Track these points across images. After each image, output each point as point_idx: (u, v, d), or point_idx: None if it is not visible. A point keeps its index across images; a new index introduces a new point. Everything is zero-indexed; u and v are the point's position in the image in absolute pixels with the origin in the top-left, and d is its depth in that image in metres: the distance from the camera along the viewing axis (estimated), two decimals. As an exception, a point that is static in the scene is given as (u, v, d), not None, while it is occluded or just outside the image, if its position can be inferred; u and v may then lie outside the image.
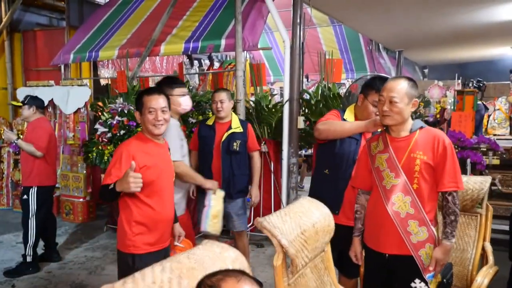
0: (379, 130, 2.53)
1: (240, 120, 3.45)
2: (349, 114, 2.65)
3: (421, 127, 2.10)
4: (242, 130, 3.35)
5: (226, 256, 1.36)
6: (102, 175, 6.27)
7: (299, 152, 5.72)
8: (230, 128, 3.30)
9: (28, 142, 3.86)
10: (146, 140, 2.26)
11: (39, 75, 6.79)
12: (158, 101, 2.19)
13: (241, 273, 1.08)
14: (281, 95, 8.90)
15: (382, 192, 2.10)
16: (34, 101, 3.97)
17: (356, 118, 2.60)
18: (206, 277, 1.08)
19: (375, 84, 2.47)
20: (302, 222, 1.82)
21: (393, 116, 2.02)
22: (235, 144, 3.27)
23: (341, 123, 2.54)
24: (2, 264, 4.09)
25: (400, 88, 2.01)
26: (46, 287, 3.61)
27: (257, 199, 3.53)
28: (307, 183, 6.79)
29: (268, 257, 4.21)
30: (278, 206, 4.85)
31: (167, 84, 2.86)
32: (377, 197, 2.14)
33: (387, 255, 2.11)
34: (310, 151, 7.84)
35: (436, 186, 2.05)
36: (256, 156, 3.52)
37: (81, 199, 5.55)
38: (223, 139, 3.27)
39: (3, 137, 4.05)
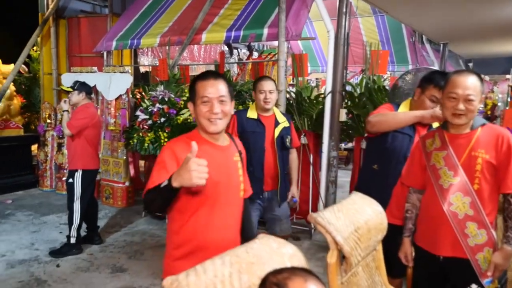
0: (433, 125, 2.42)
1: (283, 113, 3.26)
2: (403, 109, 2.54)
3: (483, 124, 1.98)
4: (288, 124, 3.15)
5: (284, 252, 1.32)
6: (142, 162, 6.40)
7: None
8: (277, 122, 3.06)
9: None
10: (200, 140, 1.68)
11: (82, 61, 6.94)
12: (214, 88, 1.67)
13: (307, 272, 1.04)
14: (317, 86, 8.79)
15: (438, 191, 2.00)
16: (83, 87, 4.05)
17: None
18: (270, 275, 1.04)
19: (434, 79, 2.36)
20: (355, 219, 1.76)
21: (468, 115, 1.90)
22: (287, 140, 3.07)
23: (394, 114, 2.46)
24: (47, 244, 4.24)
25: (475, 85, 1.89)
26: (88, 268, 3.71)
27: (298, 200, 3.40)
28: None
29: (305, 250, 4.15)
30: (315, 200, 4.78)
31: None
32: (432, 196, 2.04)
33: (441, 257, 2.01)
34: (350, 145, 7.71)
35: (498, 187, 1.94)
36: (295, 152, 3.35)
37: (120, 184, 5.67)
38: (276, 134, 3.02)
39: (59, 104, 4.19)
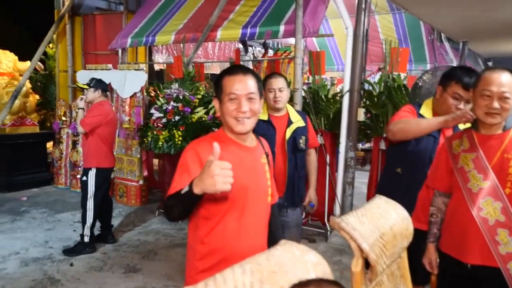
0: (461, 126, 2.31)
1: (298, 112, 2.97)
2: (425, 109, 2.43)
3: None
4: (304, 124, 2.86)
5: (307, 260, 1.23)
6: (156, 160, 6.37)
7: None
8: (290, 122, 2.80)
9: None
10: (226, 140, 1.59)
11: (97, 59, 6.93)
12: (243, 84, 1.53)
13: (336, 284, 0.95)
14: (333, 85, 8.65)
15: (467, 195, 1.89)
16: (99, 84, 4.03)
17: (435, 113, 2.38)
18: (296, 286, 0.96)
19: (455, 75, 2.25)
20: (380, 224, 1.66)
21: (503, 114, 1.79)
22: (301, 141, 2.78)
23: (417, 121, 2.31)
24: (60, 242, 4.22)
25: (510, 82, 1.78)
26: (102, 268, 3.67)
27: (317, 204, 3.09)
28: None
29: (321, 253, 4.03)
30: (331, 201, 4.68)
31: None
32: (460, 201, 1.93)
33: (469, 265, 1.90)
34: (367, 145, 7.58)
35: None
36: (313, 153, 3.08)
37: (134, 183, 5.64)
38: (287, 136, 2.75)
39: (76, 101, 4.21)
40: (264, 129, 2.70)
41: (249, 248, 1.53)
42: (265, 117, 2.75)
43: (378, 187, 2.61)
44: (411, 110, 2.46)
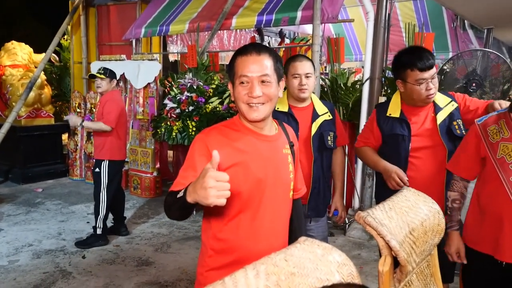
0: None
1: (323, 102, 2.46)
2: (393, 107, 2.26)
3: None
4: (331, 117, 2.39)
5: (331, 260, 1.08)
6: (170, 152, 6.28)
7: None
8: (316, 114, 2.34)
9: (99, 116, 3.83)
10: (240, 128, 1.45)
11: (112, 50, 6.85)
12: (256, 65, 1.36)
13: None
14: (351, 73, 8.43)
15: (509, 189, 1.70)
16: (113, 74, 3.94)
17: (407, 106, 2.22)
18: (319, 294, 0.82)
19: (405, 63, 2.09)
20: (409, 219, 1.51)
21: None
22: (329, 137, 2.33)
23: (371, 158, 2.31)
24: (73, 234, 4.17)
25: None
26: (114, 260, 3.59)
27: (345, 213, 2.62)
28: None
29: (339, 248, 3.89)
30: (350, 194, 4.51)
31: None
32: (498, 193, 1.75)
33: (504, 263, 1.73)
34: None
35: None
36: (341, 152, 2.57)
37: (148, 175, 5.56)
38: (313, 131, 2.31)
39: (68, 122, 3.97)
40: (283, 122, 2.41)
41: (267, 248, 1.34)
42: (284, 108, 2.33)
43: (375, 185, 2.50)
44: (371, 120, 2.36)
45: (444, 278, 2.24)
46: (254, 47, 1.41)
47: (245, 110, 1.40)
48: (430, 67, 2.05)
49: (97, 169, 3.89)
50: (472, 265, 1.90)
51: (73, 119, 3.93)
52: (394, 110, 2.23)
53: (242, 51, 1.41)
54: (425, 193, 2.18)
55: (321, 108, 2.38)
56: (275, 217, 1.46)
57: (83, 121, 3.90)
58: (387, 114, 2.25)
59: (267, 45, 7.48)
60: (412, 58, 2.06)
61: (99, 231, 3.87)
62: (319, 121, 2.33)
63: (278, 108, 2.31)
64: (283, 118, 2.28)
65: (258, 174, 1.39)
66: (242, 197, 1.39)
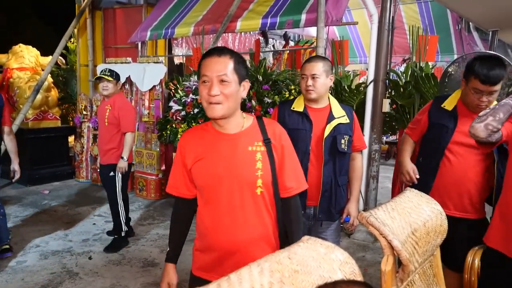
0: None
1: (342, 106, 2.42)
2: (450, 100, 2.36)
3: None
4: (348, 121, 2.35)
5: (333, 259, 1.11)
6: (175, 154, 6.30)
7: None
8: (332, 117, 2.31)
9: (112, 119, 3.83)
10: (208, 128, 1.58)
11: (118, 53, 6.92)
12: (216, 66, 1.44)
13: (366, 286, 0.83)
14: (355, 75, 8.44)
15: None
16: (118, 77, 3.96)
17: (461, 104, 2.31)
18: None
19: (473, 69, 2.13)
20: (412, 219, 1.53)
21: None
22: (342, 141, 2.30)
23: (402, 150, 2.55)
24: (80, 235, 4.21)
25: None
26: (120, 262, 3.62)
27: (357, 221, 2.48)
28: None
29: (343, 249, 3.92)
30: (355, 195, 4.52)
31: None
32: None
33: None
34: (392, 138, 7.34)
35: None
36: (359, 158, 2.53)
37: (153, 177, 5.60)
38: (326, 133, 2.29)
39: (118, 166, 3.84)
40: (297, 123, 2.32)
41: (230, 241, 1.53)
42: (300, 108, 2.34)
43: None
44: (424, 109, 2.49)
45: (455, 261, 2.19)
46: (217, 50, 1.49)
47: (205, 108, 1.49)
48: (493, 83, 2.07)
49: (112, 173, 3.89)
50: (494, 266, 1.88)
51: (122, 163, 3.83)
52: (450, 104, 2.34)
53: (206, 54, 1.50)
54: (452, 190, 2.28)
55: (338, 110, 2.36)
56: (235, 211, 1.52)
57: (122, 157, 3.83)
58: (442, 106, 2.35)
59: (272, 47, 7.53)
60: (481, 67, 2.08)
61: (123, 234, 3.94)
62: (333, 123, 2.31)
63: (294, 108, 2.36)
64: (298, 118, 2.32)
65: (214, 170, 1.51)
66: (204, 191, 1.57)
